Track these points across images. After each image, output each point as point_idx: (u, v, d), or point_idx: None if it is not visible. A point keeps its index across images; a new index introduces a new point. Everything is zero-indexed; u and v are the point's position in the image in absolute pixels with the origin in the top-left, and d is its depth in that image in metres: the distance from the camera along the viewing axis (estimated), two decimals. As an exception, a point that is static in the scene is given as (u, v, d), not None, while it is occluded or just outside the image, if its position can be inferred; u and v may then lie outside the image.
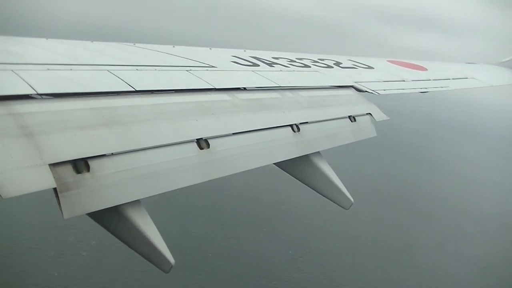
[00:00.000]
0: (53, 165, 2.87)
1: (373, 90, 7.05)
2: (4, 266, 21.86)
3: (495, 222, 41.19)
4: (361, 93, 6.89)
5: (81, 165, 3.03)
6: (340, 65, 8.20)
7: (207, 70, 5.49)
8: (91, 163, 3.10)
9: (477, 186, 51.56)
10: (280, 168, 5.17)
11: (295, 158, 4.92)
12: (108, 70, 4.38)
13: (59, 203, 2.84)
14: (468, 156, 64.93)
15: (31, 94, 3.35)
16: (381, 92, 7.17)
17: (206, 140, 3.96)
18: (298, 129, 5.04)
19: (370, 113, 6.35)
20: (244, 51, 7.36)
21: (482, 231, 38.94)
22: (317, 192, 5.35)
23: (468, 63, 14.08)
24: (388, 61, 10.33)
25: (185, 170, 3.70)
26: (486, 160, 64.43)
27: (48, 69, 3.97)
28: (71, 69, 4.17)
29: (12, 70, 3.65)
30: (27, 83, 3.45)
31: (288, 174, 5.34)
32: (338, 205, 5.30)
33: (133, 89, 4.10)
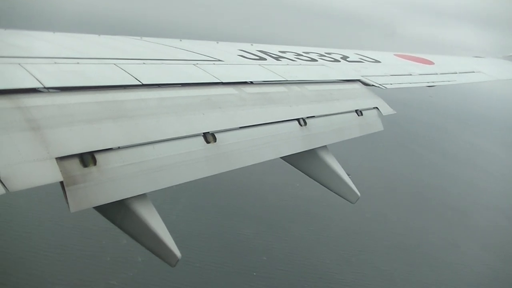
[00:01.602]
0: (60, 159, 2.88)
1: (380, 84, 7.01)
2: (62, 273, 21.25)
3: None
4: (368, 87, 6.85)
5: (87, 158, 3.03)
6: (347, 59, 8.16)
7: (214, 64, 5.48)
8: (98, 156, 3.10)
9: (485, 180, 51.31)
10: (287, 162, 5.16)
11: (302, 152, 4.91)
12: (115, 64, 4.38)
13: (65, 197, 2.85)
14: (473, 151, 64.52)
15: (38, 88, 3.36)
16: (388, 86, 7.13)
17: (212, 134, 3.96)
18: (305, 123, 5.01)
19: (377, 107, 6.31)
20: (251, 45, 7.33)
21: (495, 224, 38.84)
22: (324, 186, 5.34)
23: (476, 56, 13.97)
24: (395, 54, 10.26)
25: (191, 164, 3.69)
26: (493, 157, 63.98)
27: (55, 63, 3.97)
28: (78, 63, 4.17)
29: (19, 64, 3.66)
30: (34, 77, 3.46)
31: (295, 168, 5.34)
32: (345, 199, 5.29)
33: (140, 83, 4.10)
